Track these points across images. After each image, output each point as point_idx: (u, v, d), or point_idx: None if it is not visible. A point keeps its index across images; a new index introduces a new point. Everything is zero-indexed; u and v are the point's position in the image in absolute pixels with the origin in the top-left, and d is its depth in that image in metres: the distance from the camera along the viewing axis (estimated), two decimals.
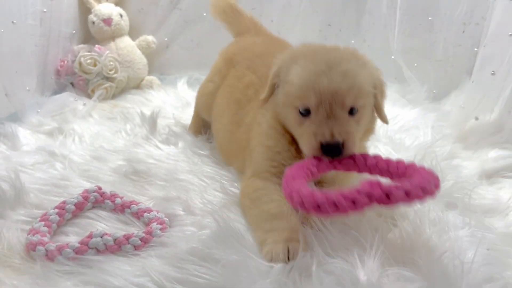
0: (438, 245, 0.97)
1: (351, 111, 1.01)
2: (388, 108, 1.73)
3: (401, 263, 0.92)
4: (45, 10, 1.91)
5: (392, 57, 2.10)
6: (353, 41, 2.18)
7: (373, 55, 2.02)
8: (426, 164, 1.34)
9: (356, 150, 1.01)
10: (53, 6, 1.98)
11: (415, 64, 2.11)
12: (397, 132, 1.68)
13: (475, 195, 1.27)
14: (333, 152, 0.98)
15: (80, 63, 2.00)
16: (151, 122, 1.70)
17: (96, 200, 1.18)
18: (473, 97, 1.73)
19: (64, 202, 1.13)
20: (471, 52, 2.09)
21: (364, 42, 2.21)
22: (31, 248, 0.97)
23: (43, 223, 1.05)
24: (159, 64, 2.41)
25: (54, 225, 1.07)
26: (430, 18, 2.07)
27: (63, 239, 1.05)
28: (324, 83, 0.98)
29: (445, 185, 1.28)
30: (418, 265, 0.90)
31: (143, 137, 1.64)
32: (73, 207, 1.13)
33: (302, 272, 0.88)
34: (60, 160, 1.43)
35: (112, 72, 2.08)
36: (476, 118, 1.69)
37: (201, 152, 1.52)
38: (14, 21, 1.66)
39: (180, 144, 1.58)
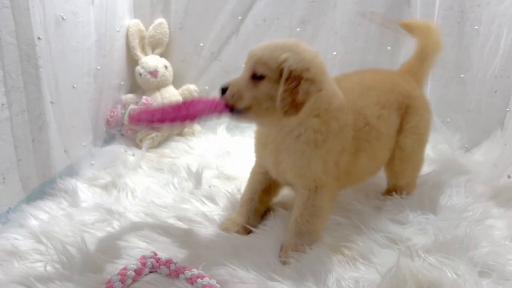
0: None
1: (254, 76, 1.33)
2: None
3: None
4: (98, 67, 2.07)
5: None
6: None
7: None
8: (461, 229, 1.42)
9: (236, 102, 1.33)
10: (105, 62, 2.14)
11: (448, 119, 2.17)
12: (431, 190, 1.75)
13: (509, 260, 1.34)
14: (221, 92, 1.37)
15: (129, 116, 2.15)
16: (197, 177, 1.83)
17: (152, 266, 1.30)
18: (506, 154, 1.79)
19: (125, 269, 1.26)
20: (502, 103, 2.15)
21: None
22: None
23: None
24: None
25: None
26: (462, 75, 2.15)
27: None
28: (250, 52, 1.37)
29: (479, 252, 1.35)
30: None
31: (189, 191, 1.77)
32: (133, 273, 1.25)
33: None
34: (117, 218, 1.57)
35: None
36: (509, 176, 1.75)
37: None
38: (75, 86, 1.82)
39: (222, 204, 1.70)
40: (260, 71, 1.31)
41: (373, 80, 1.62)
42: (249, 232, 1.52)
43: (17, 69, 1.57)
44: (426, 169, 1.85)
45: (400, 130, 1.62)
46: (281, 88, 1.28)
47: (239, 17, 2.33)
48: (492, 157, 1.95)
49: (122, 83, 2.35)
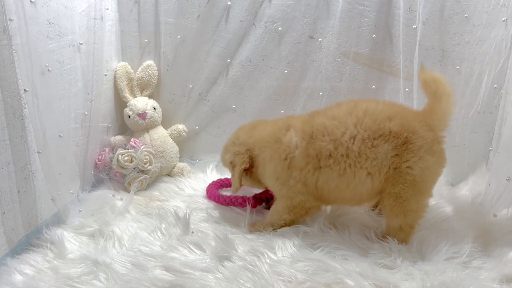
0: None
1: None
2: None
3: None
4: (86, 113, 2.08)
5: None
6: None
7: None
8: (447, 275, 1.42)
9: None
10: (92, 107, 2.15)
11: None
12: (420, 230, 1.75)
13: None
14: None
15: (117, 160, 2.16)
16: (184, 222, 1.82)
17: None
18: (491, 193, 1.81)
19: None
20: (487, 138, 2.19)
21: None
22: None
23: None
24: (188, 149, 2.56)
25: None
26: None
27: None
28: None
29: None
30: None
31: (177, 237, 1.76)
32: None
33: None
34: (103, 269, 1.55)
35: (147, 165, 2.23)
36: (495, 215, 1.76)
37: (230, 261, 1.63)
38: (61, 134, 1.83)
39: (209, 251, 1.68)
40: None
41: (371, 106, 1.60)
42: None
43: (1, 123, 1.57)
44: None
45: (396, 167, 1.57)
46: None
47: (228, 60, 2.37)
48: (478, 192, 1.97)
49: (110, 125, 2.36)
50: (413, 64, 2.14)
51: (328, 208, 1.90)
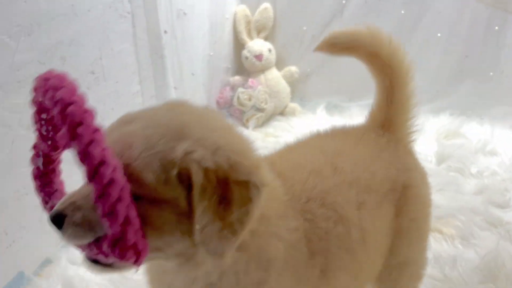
0: None
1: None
2: None
3: None
4: (211, 53, 2.29)
5: None
6: (491, 73, 2.23)
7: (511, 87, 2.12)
8: None
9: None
10: (216, 48, 2.35)
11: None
12: None
13: None
14: None
15: (238, 98, 2.36)
16: None
17: None
18: None
19: None
20: None
21: (502, 73, 2.25)
22: None
23: None
24: (300, 91, 2.68)
25: None
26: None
27: None
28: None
29: None
30: None
31: None
32: None
33: None
34: None
35: (263, 104, 2.41)
36: None
37: None
38: (193, 73, 2.05)
39: None
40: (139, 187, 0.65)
41: (341, 148, 0.99)
42: None
43: (147, 61, 1.81)
44: None
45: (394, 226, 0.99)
46: (198, 208, 0.65)
47: (343, 1, 2.40)
48: None
49: (229, 66, 2.56)
50: None
51: None
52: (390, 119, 1.04)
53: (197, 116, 0.73)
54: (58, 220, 0.64)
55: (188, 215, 0.65)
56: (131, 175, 0.63)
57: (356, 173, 0.92)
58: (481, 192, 1.67)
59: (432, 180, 1.63)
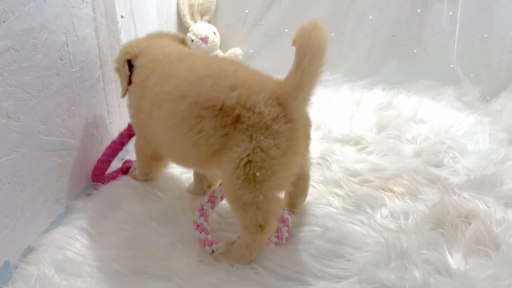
0: (505, 241, 1.36)
1: None
2: (448, 112, 2.18)
3: (477, 255, 1.33)
4: None
5: (451, 66, 2.43)
6: (415, 50, 2.53)
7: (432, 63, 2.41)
8: (488, 170, 1.72)
9: None
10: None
11: (471, 74, 2.44)
12: (462, 137, 2.04)
13: None
14: None
15: None
16: None
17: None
18: None
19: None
20: None
21: (424, 51, 2.55)
22: None
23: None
24: None
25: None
26: (485, 35, 2.39)
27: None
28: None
29: (504, 188, 1.66)
30: (490, 256, 1.31)
31: None
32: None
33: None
34: None
35: None
36: None
37: None
38: None
39: None
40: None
41: (228, 68, 1.27)
42: None
43: (106, 45, 1.83)
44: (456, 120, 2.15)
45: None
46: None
47: None
48: (510, 107, 2.24)
49: None
50: None
51: None
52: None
53: None
54: None
55: None
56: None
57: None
58: (419, 155, 1.93)
59: (376, 147, 1.91)
